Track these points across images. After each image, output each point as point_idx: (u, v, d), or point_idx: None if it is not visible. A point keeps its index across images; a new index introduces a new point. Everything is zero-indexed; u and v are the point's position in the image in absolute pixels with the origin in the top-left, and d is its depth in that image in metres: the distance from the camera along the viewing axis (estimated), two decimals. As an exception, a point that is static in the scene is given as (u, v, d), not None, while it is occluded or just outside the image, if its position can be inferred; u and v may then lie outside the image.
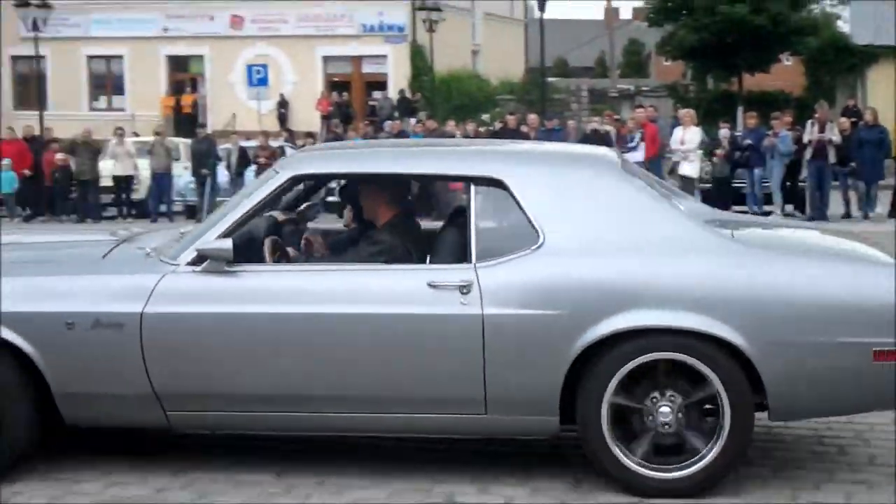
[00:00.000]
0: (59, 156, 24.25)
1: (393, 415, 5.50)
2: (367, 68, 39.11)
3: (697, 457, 5.27)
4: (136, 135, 29.75)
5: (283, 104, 37.32)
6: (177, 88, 39.75)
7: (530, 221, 5.40)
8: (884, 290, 5.19)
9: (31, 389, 5.52)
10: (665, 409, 5.25)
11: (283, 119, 36.51)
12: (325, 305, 5.38)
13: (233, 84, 38.15)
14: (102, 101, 40.46)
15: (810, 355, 5.22)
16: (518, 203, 5.45)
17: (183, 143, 27.22)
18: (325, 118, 34.48)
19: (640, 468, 5.31)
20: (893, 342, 5.15)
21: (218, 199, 22.82)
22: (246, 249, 5.67)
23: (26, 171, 24.32)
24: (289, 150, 24.37)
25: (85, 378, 5.56)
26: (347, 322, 5.38)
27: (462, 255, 5.44)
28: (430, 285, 5.33)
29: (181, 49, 39.60)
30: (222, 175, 23.95)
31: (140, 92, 39.13)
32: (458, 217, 5.76)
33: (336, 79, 38.60)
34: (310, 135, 28.93)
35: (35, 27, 30.47)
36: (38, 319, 5.53)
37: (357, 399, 5.49)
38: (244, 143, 24.44)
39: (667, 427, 5.28)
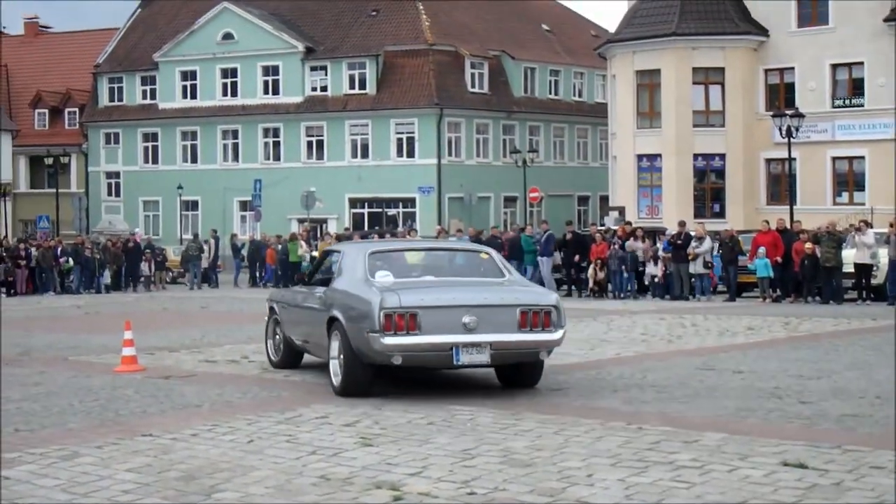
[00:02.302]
0: (807, 245, 25.99)
1: (318, 347, 12.21)
2: None
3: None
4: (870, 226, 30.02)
5: None
6: (916, 184, 40.32)
7: (339, 269, 12.09)
8: (371, 304, 10.77)
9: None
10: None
11: None
12: (304, 302, 12.77)
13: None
14: (844, 197, 41.99)
15: (356, 332, 10.95)
16: (340, 261, 12.19)
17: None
18: None
19: (334, 379, 11.44)
20: (367, 328, 10.70)
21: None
22: (318, 279, 13.06)
23: (778, 259, 26.64)
24: None
25: (287, 327, 13.52)
26: (301, 308, 12.85)
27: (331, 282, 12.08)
28: (317, 295, 12.26)
29: (921, 147, 40.23)
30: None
31: (878, 188, 40.47)
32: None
33: None
34: None
35: (788, 134, 34.59)
36: (282, 303, 13.84)
37: (316, 344, 12.25)
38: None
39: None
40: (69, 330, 20.89)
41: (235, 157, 57.35)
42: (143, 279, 38.71)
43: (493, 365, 11.30)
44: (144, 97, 59.68)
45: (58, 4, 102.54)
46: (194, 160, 58.36)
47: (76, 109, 64.63)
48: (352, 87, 54.38)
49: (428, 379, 12.47)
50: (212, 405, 10.97)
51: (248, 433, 9.24)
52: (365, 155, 54.14)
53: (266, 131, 56.63)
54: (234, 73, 57.11)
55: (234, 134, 57.41)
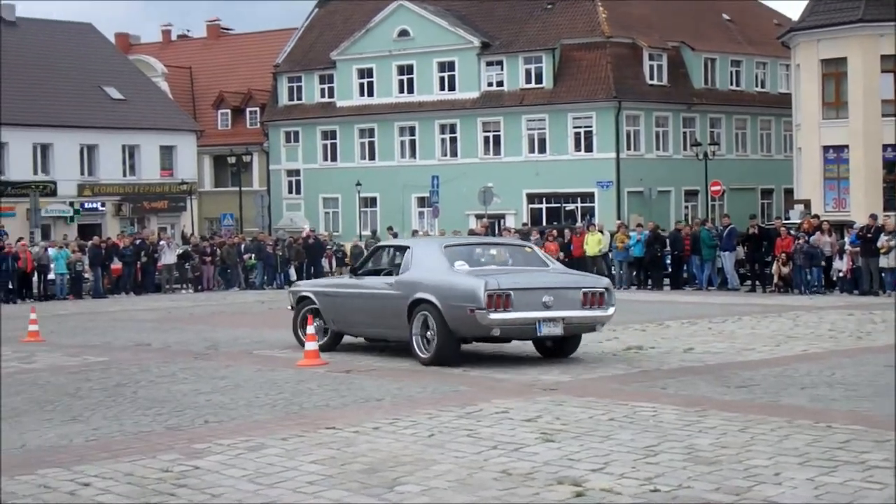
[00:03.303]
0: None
1: (384, 331, 14.68)
2: None
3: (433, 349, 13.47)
4: None
5: None
6: None
7: (410, 261, 14.14)
8: (475, 287, 12.90)
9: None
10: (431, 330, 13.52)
11: None
12: (360, 290, 14.89)
13: None
14: None
15: (454, 310, 13.14)
16: (411, 254, 14.26)
17: None
18: None
19: (420, 352, 13.58)
20: (472, 306, 12.83)
21: None
22: (366, 270, 15.55)
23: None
24: None
25: (329, 313, 15.56)
26: (361, 295, 14.86)
27: (399, 272, 14.26)
28: (386, 283, 14.46)
29: None
30: None
31: None
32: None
33: None
34: None
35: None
36: (321, 293, 15.82)
37: (374, 324, 14.75)
38: None
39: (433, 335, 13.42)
40: (253, 325, 21.43)
41: (413, 154, 57.86)
42: (324, 275, 39.47)
43: (565, 336, 13.77)
44: (322, 95, 60.74)
45: (238, 7, 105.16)
46: (372, 157, 59.13)
47: (257, 109, 66.21)
48: (528, 81, 54.27)
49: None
50: (392, 399, 11.10)
51: (428, 427, 9.31)
52: (542, 150, 53.96)
53: (443, 127, 57.00)
54: (410, 69, 57.66)
55: (412, 130, 57.97)
